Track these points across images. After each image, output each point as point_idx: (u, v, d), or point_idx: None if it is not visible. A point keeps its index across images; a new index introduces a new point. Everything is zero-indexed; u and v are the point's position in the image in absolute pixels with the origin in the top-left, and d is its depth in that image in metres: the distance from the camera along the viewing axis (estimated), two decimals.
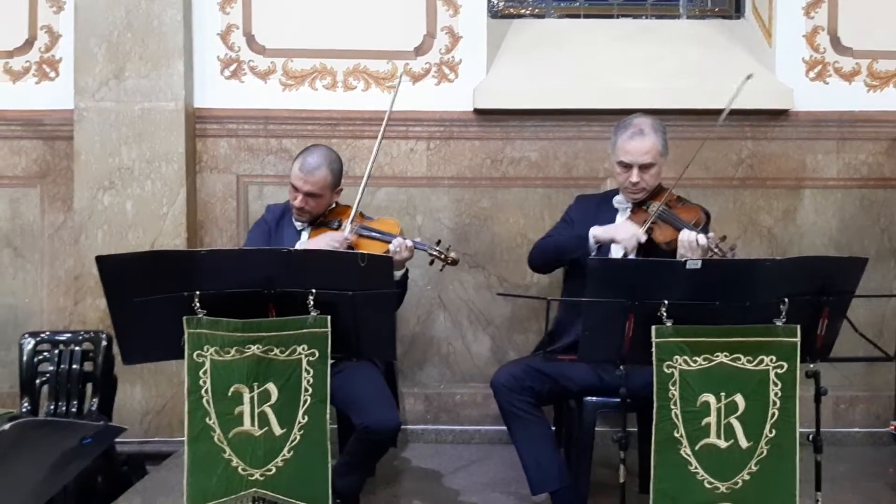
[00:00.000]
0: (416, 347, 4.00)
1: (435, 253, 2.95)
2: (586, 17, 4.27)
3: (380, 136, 3.14)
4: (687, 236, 2.73)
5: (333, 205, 3.12)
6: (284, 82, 3.91)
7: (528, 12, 4.31)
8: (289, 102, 3.90)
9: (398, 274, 2.96)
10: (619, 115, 3.17)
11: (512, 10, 4.30)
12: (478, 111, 3.93)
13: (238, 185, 3.92)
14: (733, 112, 3.91)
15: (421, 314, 3.99)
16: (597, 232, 2.93)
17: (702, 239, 2.67)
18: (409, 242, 2.90)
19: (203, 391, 2.31)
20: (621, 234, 2.87)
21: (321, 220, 3.06)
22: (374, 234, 3.00)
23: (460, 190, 3.99)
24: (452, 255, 2.96)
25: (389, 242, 2.93)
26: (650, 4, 4.30)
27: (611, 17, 4.27)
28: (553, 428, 3.54)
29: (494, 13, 4.22)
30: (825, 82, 3.97)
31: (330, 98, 3.91)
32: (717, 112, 3.91)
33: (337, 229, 3.01)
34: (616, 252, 2.87)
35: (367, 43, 3.90)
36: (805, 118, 3.95)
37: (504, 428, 3.00)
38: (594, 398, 2.94)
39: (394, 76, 3.92)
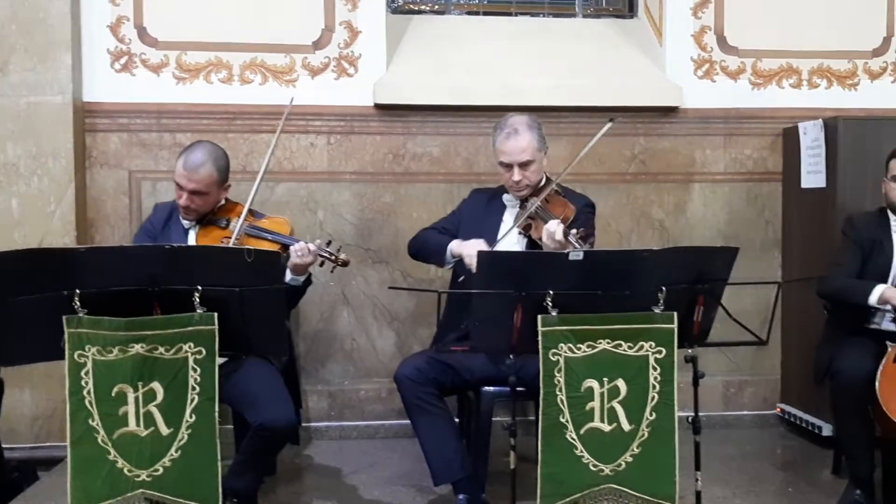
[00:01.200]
0: (319, 344, 3.98)
1: (325, 254, 2.90)
2: (486, 14, 4.32)
3: (264, 165, 3.09)
4: (546, 228, 2.79)
5: (223, 202, 3.05)
6: (178, 76, 3.83)
7: (428, 8, 4.33)
8: (183, 96, 3.82)
9: (300, 279, 2.93)
10: (518, 112, 3.20)
11: (412, 5, 4.32)
12: (378, 106, 3.94)
13: (130, 181, 3.81)
14: (626, 109, 4.07)
15: (324, 310, 3.97)
16: (452, 246, 3.02)
17: (559, 234, 2.73)
18: (311, 246, 2.85)
19: (85, 392, 2.25)
20: (468, 251, 2.91)
21: (209, 219, 2.98)
22: (264, 234, 2.94)
23: (362, 185, 3.99)
24: (343, 256, 2.93)
25: (280, 244, 2.87)
26: (548, 3, 4.38)
27: (509, 14, 4.33)
28: (457, 419, 3.59)
29: (394, 9, 4.23)
30: (712, 80, 4.13)
31: (226, 92, 3.84)
32: (611, 109, 4.05)
33: (225, 228, 2.95)
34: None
35: (264, 36, 3.85)
36: (694, 115, 4.11)
37: (409, 421, 3.01)
38: (491, 388, 2.99)
39: (292, 70, 3.88)
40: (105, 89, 3.79)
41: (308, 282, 2.98)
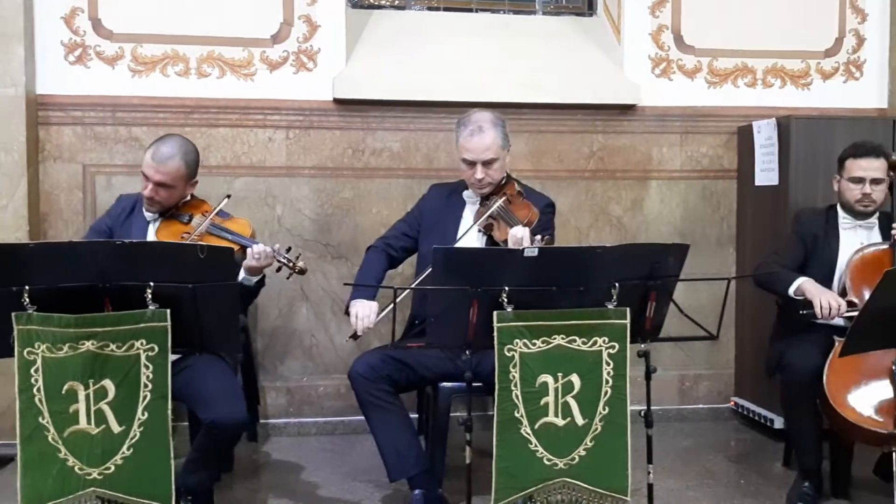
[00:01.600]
0: (277, 341, 3.96)
1: (283, 260, 2.88)
2: (446, 10, 4.32)
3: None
4: (513, 233, 2.82)
5: (188, 197, 3.02)
6: (134, 68, 3.77)
7: (388, 3, 4.32)
8: (139, 89, 3.77)
9: (253, 280, 2.91)
10: (482, 108, 3.19)
11: (372, 0, 4.31)
12: (338, 101, 3.92)
13: (85, 175, 3.76)
14: (585, 106, 4.10)
15: (282, 307, 3.95)
16: (350, 304, 2.99)
17: (526, 241, 2.75)
18: (269, 249, 2.83)
19: (35, 389, 2.23)
20: (354, 310, 2.92)
21: (172, 213, 2.95)
22: (225, 233, 2.91)
23: (322, 180, 3.97)
24: (301, 264, 2.91)
25: (240, 245, 2.85)
26: (508, 0, 4.39)
27: (470, 10, 4.34)
28: (416, 415, 3.61)
29: (354, 3, 4.21)
30: (669, 79, 4.19)
31: (183, 85, 3.80)
32: (571, 107, 4.09)
33: (187, 223, 2.92)
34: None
35: (221, 29, 3.81)
36: (651, 113, 4.16)
37: None
38: (449, 384, 3.00)
39: (250, 63, 3.85)
40: (59, 82, 3.72)
41: (261, 283, 2.96)
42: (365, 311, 2.90)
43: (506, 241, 2.88)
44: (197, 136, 3.77)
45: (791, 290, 3.05)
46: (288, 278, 3.02)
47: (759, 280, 3.25)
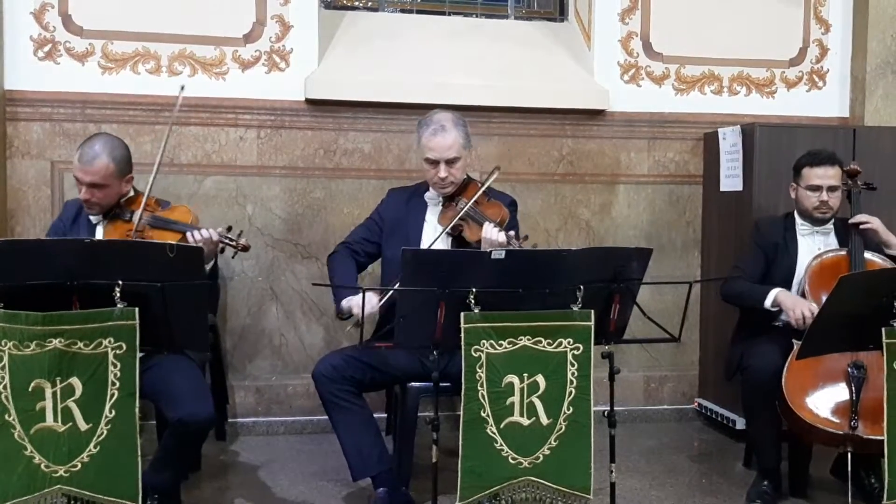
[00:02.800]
0: (247, 340, 3.96)
1: (226, 240, 2.91)
2: (419, 12, 4.35)
3: (160, 154, 3.04)
4: (487, 233, 2.87)
5: (131, 193, 3.00)
6: (104, 65, 3.75)
7: (361, 4, 4.34)
8: (109, 86, 3.75)
9: (206, 267, 2.92)
10: (443, 108, 3.24)
11: (345, 1, 4.32)
12: (310, 101, 3.93)
13: (53, 171, 3.73)
14: (555, 111, 4.16)
15: (252, 306, 3.95)
16: (343, 304, 2.98)
17: (501, 237, 2.81)
18: (207, 233, 2.85)
19: (1, 387, 2.23)
20: (357, 309, 2.85)
21: (115, 212, 2.93)
22: (166, 224, 2.91)
23: (293, 180, 3.98)
24: (243, 241, 2.94)
25: (183, 233, 2.86)
26: (480, 3, 4.44)
27: (443, 13, 4.38)
28: (385, 414, 3.63)
29: (327, 4, 4.22)
30: (638, 85, 4.25)
31: (154, 83, 3.79)
32: (541, 111, 4.13)
33: (129, 220, 2.90)
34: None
35: (193, 28, 3.81)
36: (620, 118, 4.22)
37: None
38: (417, 384, 3.03)
39: (222, 62, 3.85)
40: (28, 77, 3.69)
41: (214, 270, 2.99)
42: (368, 302, 2.81)
43: (478, 242, 2.91)
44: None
45: (767, 304, 3.14)
46: (233, 257, 3.04)
47: (730, 297, 3.33)
